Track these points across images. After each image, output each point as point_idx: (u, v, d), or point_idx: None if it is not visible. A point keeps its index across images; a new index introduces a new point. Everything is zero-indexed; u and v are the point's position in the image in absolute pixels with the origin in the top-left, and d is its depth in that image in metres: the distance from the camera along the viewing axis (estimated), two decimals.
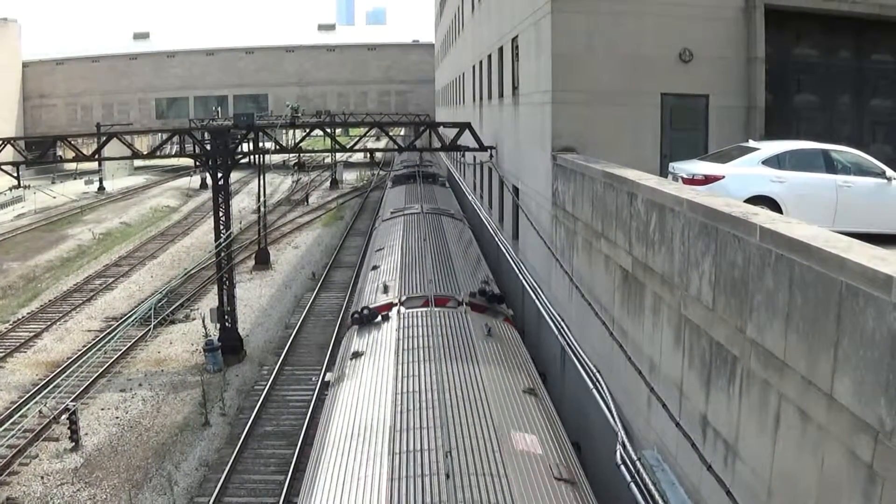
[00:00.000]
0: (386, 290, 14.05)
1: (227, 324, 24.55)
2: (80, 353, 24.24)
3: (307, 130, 28.85)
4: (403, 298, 13.17)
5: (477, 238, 22.83)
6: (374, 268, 16.95)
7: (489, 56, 23.87)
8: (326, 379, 12.13)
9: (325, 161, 71.66)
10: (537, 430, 8.64)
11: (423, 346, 10.87)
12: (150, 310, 25.44)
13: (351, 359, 11.31)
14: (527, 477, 7.41)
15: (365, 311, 12.81)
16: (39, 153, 30.32)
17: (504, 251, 20.22)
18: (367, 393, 9.67)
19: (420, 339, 11.19)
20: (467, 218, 26.35)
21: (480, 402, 8.86)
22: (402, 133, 79.60)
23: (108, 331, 26.06)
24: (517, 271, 17.95)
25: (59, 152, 58.38)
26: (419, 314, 12.35)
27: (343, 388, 10.36)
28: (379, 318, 12.49)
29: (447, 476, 6.87)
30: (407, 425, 8.29)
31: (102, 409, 20.54)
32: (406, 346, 10.95)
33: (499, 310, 13.56)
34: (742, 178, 11.02)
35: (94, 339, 25.53)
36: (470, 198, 30.78)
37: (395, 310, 12.68)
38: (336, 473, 7.82)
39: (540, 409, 9.49)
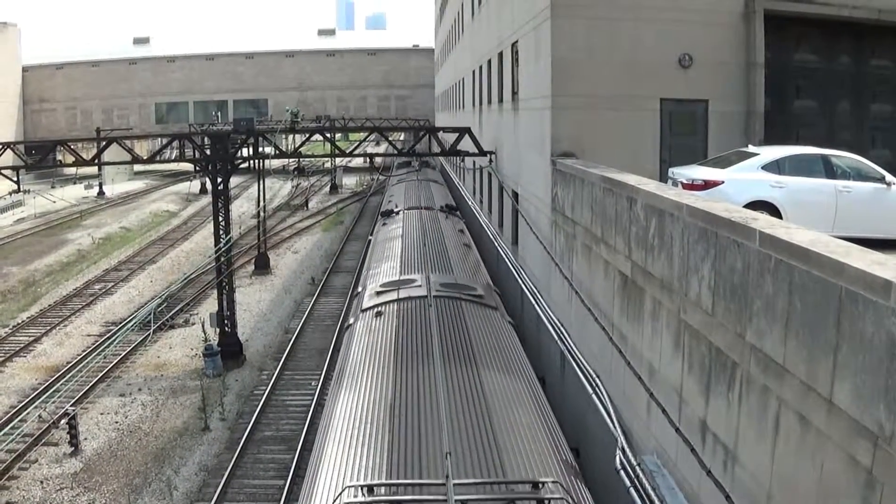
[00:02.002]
0: (396, 205, 26.13)
1: (226, 328, 24.55)
2: (79, 357, 24.24)
3: (307, 135, 28.75)
4: (406, 207, 25.29)
5: (456, 200, 34.02)
6: (389, 201, 30.17)
7: (489, 61, 23.90)
8: (369, 238, 27.20)
9: (325, 166, 71.69)
10: (456, 242, 19.88)
11: (416, 220, 21.81)
12: (149, 314, 25.51)
13: (382, 225, 23.25)
14: (452, 245, 18.89)
15: (386, 210, 25.54)
16: (39, 158, 30.45)
17: (503, 256, 20.22)
18: (389, 233, 20.91)
19: (414, 219, 22.23)
20: (453, 194, 37.63)
21: (440, 232, 20.29)
22: (401, 138, 79.60)
23: (108, 335, 26.10)
24: (516, 276, 17.94)
25: (59, 157, 58.61)
26: (414, 213, 23.85)
27: (378, 234, 22.01)
28: (393, 214, 24.36)
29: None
30: (410, 238, 18.94)
31: (102, 414, 20.53)
32: (406, 221, 21.98)
33: (455, 214, 26.20)
34: (741, 183, 11.04)
35: (93, 344, 25.53)
36: (469, 202, 30.78)
37: (401, 211, 24.43)
38: (378, 260, 17.50)
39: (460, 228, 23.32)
